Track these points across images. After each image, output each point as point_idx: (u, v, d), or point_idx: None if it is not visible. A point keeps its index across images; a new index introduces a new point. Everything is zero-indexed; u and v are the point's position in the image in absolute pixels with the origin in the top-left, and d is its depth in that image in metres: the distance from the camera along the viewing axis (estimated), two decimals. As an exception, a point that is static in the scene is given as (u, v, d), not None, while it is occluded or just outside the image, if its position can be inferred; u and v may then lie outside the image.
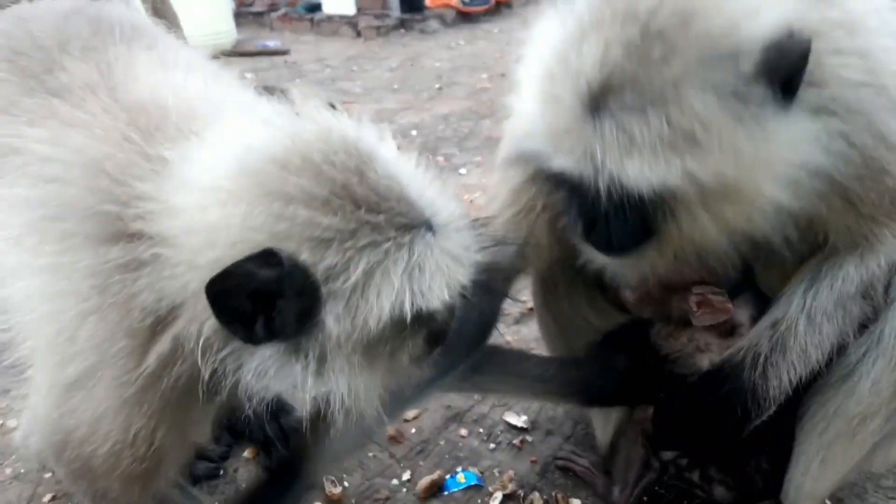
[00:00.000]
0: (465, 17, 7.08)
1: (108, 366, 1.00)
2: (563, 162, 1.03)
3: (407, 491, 1.63)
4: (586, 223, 1.12)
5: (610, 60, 0.96)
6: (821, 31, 1.01)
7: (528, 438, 1.77)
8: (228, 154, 0.91)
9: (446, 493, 1.61)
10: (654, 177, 0.97)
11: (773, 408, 1.25)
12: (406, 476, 1.67)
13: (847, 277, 1.22)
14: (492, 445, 1.76)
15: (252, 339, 0.88)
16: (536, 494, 1.58)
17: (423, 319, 0.93)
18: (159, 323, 0.95)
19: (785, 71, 0.95)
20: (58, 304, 1.01)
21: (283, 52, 6.33)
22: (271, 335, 0.88)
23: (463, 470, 1.67)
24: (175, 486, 1.29)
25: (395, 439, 1.77)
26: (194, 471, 1.67)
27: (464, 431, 1.81)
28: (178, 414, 1.05)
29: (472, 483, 1.63)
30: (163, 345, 0.96)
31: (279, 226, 0.85)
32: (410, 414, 1.86)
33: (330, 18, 7.11)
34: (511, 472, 1.64)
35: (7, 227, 1.07)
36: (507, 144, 1.28)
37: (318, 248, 0.86)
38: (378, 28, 6.63)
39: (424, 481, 1.62)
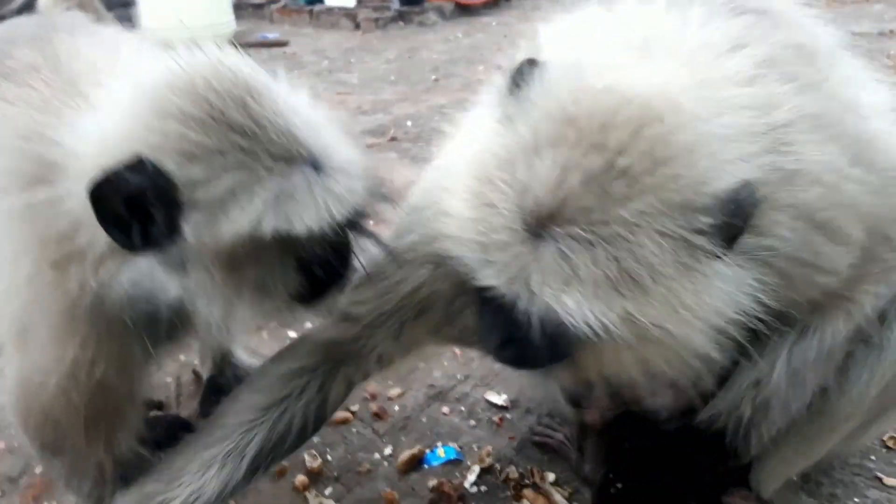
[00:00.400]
0: (463, 10, 7.11)
1: (41, 302, 1.10)
2: (493, 278, 0.94)
3: (388, 465, 1.68)
4: (500, 339, 1.03)
5: (565, 186, 0.88)
6: (769, 182, 0.96)
7: (508, 416, 1.81)
8: (127, 85, 1.01)
9: (426, 466, 1.66)
10: (591, 315, 0.89)
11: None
12: (388, 451, 1.72)
13: (836, 329, 1.22)
14: (472, 422, 1.80)
15: (130, 246, 0.97)
16: (512, 468, 1.62)
17: (288, 245, 0.98)
18: (75, 249, 1.04)
19: (737, 227, 0.92)
20: None
21: (283, 44, 6.36)
22: (147, 244, 0.96)
23: (443, 445, 1.72)
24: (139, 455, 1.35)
25: (379, 416, 1.82)
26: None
27: (446, 409, 1.85)
28: (113, 346, 1.13)
29: (451, 457, 1.67)
30: (79, 269, 1.04)
31: (153, 138, 0.95)
32: (394, 392, 1.91)
33: (329, 10, 7.15)
34: (489, 448, 1.69)
35: None
36: (424, 237, 1.17)
37: (184, 160, 0.95)
38: (377, 20, 6.66)
39: (405, 455, 1.67)
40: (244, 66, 1.03)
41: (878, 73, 1.27)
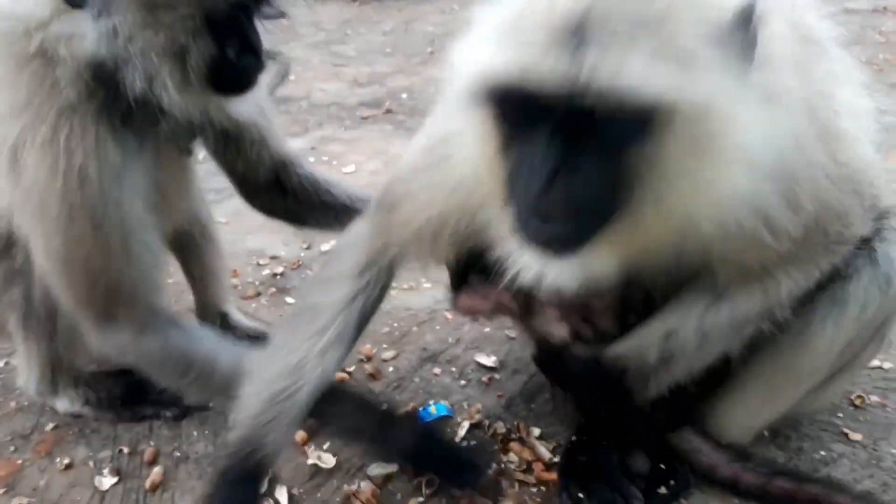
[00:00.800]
0: (460, -18, 7.11)
1: (35, 124, 1.31)
2: (541, 83, 0.92)
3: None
4: (543, 178, 0.96)
5: None
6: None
7: (496, 376, 1.90)
8: None
9: (418, 423, 1.75)
10: (650, 84, 0.89)
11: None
12: (383, 408, 1.81)
13: (751, 302, 1.27)
14: (462, 382, 1.89)
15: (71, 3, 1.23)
16: (500, 423, 1.72)
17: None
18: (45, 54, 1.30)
19: (751, 34, 0.95)
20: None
21: (279, 16, 6.37)
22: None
23: (435, 403, 1.81)
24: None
25: (374, 377, 1.91)
26: (183, 402, 1.80)
27: (437, 370, 1.94)
28: (102, 148, 1.34)
29: (443, 414, 1.76)
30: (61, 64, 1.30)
31: None
32: (389, 354, 2.00)
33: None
34: (479, 405, 1.78)
35: None
36: (450, 94, 1.18)
37: None
38: (373, -8, 6.68)
39: (399, 412, 1.76)
40: None
41: (867, 77, 1.28)
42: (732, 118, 0.95)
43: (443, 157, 1.25)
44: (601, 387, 1.41)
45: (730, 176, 0.99)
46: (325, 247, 2.61)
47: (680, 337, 1.30)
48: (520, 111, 0.99)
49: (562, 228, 0.99)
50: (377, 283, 1.48)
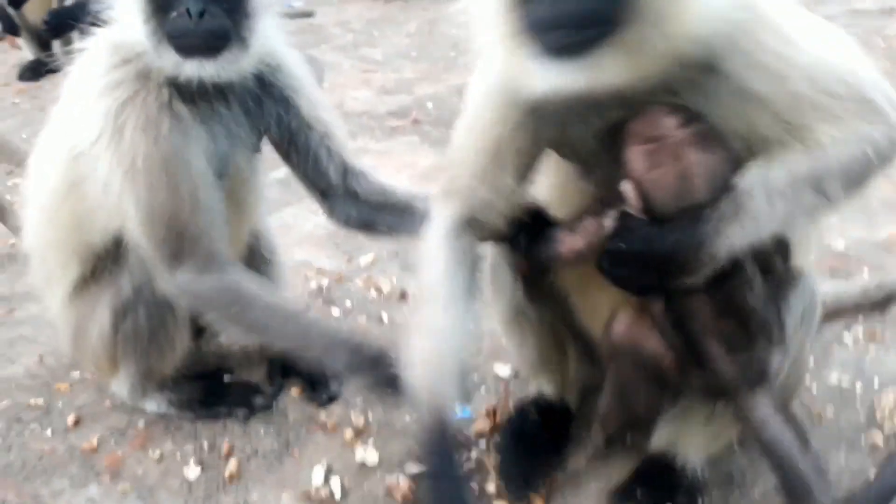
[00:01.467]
0: (482, -22, 7.32)
1: (128, 107, 1.76)
2: None
3: (415, 424, 2.13)
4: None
5: None
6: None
7: (511, 385, 2.25)
8: None
9: (445, 425, 2.11)
10: None
11: (712, 268, 1.35)
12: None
13: (798, 162, 1.32)
14: (482, 389, 2.25)
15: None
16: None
17: None
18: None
19: None
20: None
21: (309, 15, 6.66)
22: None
23: (459, 406, 2.16)
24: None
25: (408, 384, 2.27)
26: (252, 403, 2.18)
27: (461, 378, 2.30)
28: (175, 119, 1.78)
29: (465, 416, 2.12)
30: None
31: None
32: (420, 363, 2.35)
33: (354, -23, 7.41)
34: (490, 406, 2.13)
35: None
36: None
37: None
38: (398, -10, 6.94)
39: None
40: None
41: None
42: None
43: (499, 88, 1.47)
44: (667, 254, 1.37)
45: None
46: (363, 260, 2.96)
47: (745, 190, 1.32)
48: None
49: (574, 35, 1.21)
50: (468, 241, 1.65)
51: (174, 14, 1.73)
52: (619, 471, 1.87)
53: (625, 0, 1.21)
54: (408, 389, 1.59)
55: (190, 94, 1.81)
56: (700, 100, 1.35)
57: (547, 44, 1.25)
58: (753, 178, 1.34)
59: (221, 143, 1.88)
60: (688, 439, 1.76)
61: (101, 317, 2.03)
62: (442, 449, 1.52)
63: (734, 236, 1.33)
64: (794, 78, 1.32)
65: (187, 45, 1.74)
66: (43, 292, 2.22)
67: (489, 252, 1.80)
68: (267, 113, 1.98)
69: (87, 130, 1.82)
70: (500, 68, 1.44)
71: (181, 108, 1.79)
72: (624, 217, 1.43)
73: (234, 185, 1.98)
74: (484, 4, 1.37)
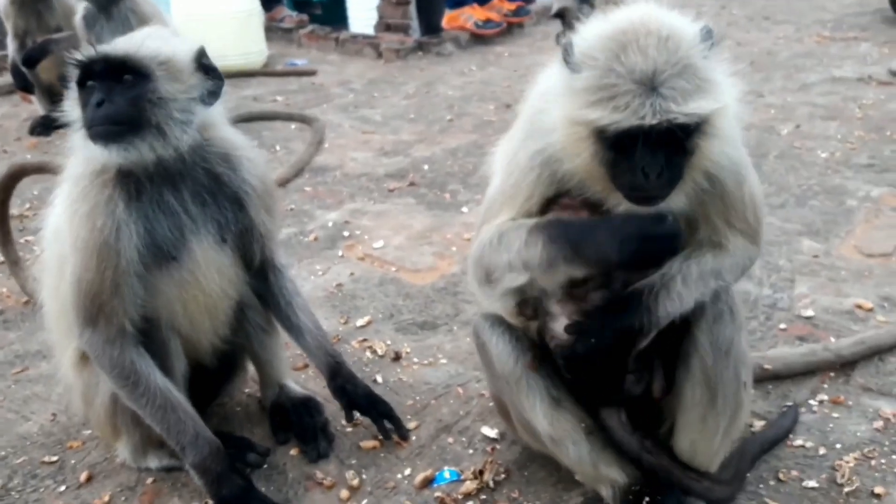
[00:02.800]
0: (478, 39, 7.65)
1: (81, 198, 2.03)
2: (634, 120, 1.55)
3: (407, 483, 2.26)
4: (644, 168, 1.60)
5: (651, 59, 1.55)
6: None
7: (497, 446, 2.40)
8: None
9: (435, 485, 2.24)
10: (696, 108, 1.55)
11: (656, 330, 1.83)
12: (407, 472, 2.30)
13: (708, 261, 1.85)
14: (470, 451, 2.39)
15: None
16: (493, 482, 2.22)
17: None
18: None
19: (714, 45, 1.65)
20: None
21: (311, 73, 6.93)
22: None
23: (448, 468, 2.31)
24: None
25: (400, 444, 2.42)
26: (246, 459, 2.32)
27: (451, 440, 2.44)
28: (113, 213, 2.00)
29: (454, 479, 2.26)
30: None
31: None
32: (412, 425, 2.50)
33: (354, 38, 7.71)
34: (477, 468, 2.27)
35: None
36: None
37: None
38: (398, 51, 7.22)
39: (420, 476, 2.26)
40: None
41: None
42: (728, 103, 1.65)
43: (547, 159, 1.81)
44: (613, 325, 1.85)
45: (722, 143, 1.68)
46: (359, 321, 3.12)
47: (670, 274, 1.83)
48: (622, 140, 1.60)
49: (655, 196, 1.68)
50: None
51: (90, 105, 1.96)
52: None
53: (682, 174, 1.69)
54: None
55: (136, 185, 2.02)
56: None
57: (634, 202, 1.71)
58: (674, 269, 1.85)
59: (165, 231, 2.07)
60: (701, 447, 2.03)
61: (102, 388, 2.22)
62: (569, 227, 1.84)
63: (667, 304, 1.83)
64: (746, 185, 1.88)
65: (94, 132, 1.95)
66: (56, 354, 2.39)
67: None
68: (223, 208, 2.16)
69: (60, 213, 2.10)
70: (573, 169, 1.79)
71: (120, 201, 1.99)
72: (575, 325, 1.88)
73: (196, 267, 2.14)
74: (574, 139, 1.70)
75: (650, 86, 1.55)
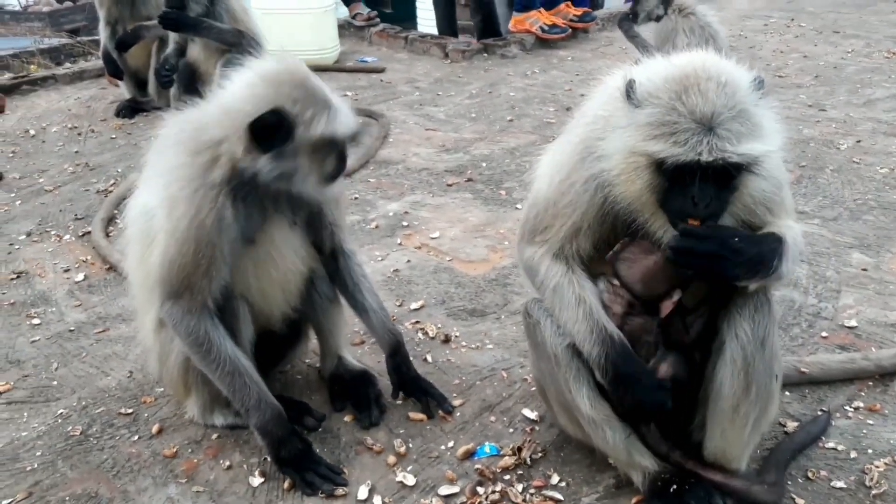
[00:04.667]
0: (543, 43, 7.74)
1: (191, 190, 2.19)
2: (693, 155, 1.73)
3: (450, 454, 2.42)
4: (694, 199, 1.78)
5: (710, 102, 1.74)
6: None
7: (537, 428, 2.53)
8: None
9: (476, 458, 2.40)
10: (748, 149, 1.73)
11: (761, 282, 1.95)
12: (451, 444, 2.45)
13: (794, 235, 1.96)
14: (511, 430, 2.53)
15: (263, 148, 2.13)
16: (530, 460, 2.36)
17: (333, 143, 2.21)
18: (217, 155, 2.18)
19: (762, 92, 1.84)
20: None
21: (380, 70, 7.15)
22: (272, 147, 2.13)
23: (489, 444, 2.45)
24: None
25: (445, 419, 2.57)
26: (303, 423, 2.51)
27: (493, 418, 2.58)
28: (221, 211, 2.18)
29: (494, 453, 2.41)
30: (221, 166, 2.18)
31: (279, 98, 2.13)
32: (457, 402, 2.65)
33: (423, 37, 7.90)
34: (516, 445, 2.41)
35: None
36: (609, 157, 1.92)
37: (293, 105, 2.12)
38: (464, 52, 7.38)
39: (462, 449, 2.41)
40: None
41: None
42: (775, 147, 1.83)
43: (587, 192, 1.99)
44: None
45: (774, 175, 1.89)
46: (413, 305, 3.30)
47: (789, 243, 1.94)
48: (678, 172, 1.78)
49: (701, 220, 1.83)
50: (569, 259, 2.10)
51: None
52: None
53: (728, 205, 1.89)
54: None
55: (240, 186, 2.22)
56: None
57: (672, 221, 1.89)
58: (786, 234, 1.95)
59: (252, 221, 2.28)
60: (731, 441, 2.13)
61: (175, 351, 2.44)
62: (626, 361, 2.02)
63: (786, 265, 1.91)
64: (784, 188, 2.05)
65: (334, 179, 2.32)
66: (137, 318, 2.63)
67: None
68: (293, 197, 2.36)
69: (156, 196, 2.27)
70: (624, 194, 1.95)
71: (228, 204, 2.18)
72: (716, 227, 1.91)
73: (272, 247, 2.38)
74: (632, 167, 1.86)
75: (708, 126, 1.73)
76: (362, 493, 2.27)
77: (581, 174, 2.00)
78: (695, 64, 1.85)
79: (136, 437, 2.55)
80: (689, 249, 1.84)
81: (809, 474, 2.28)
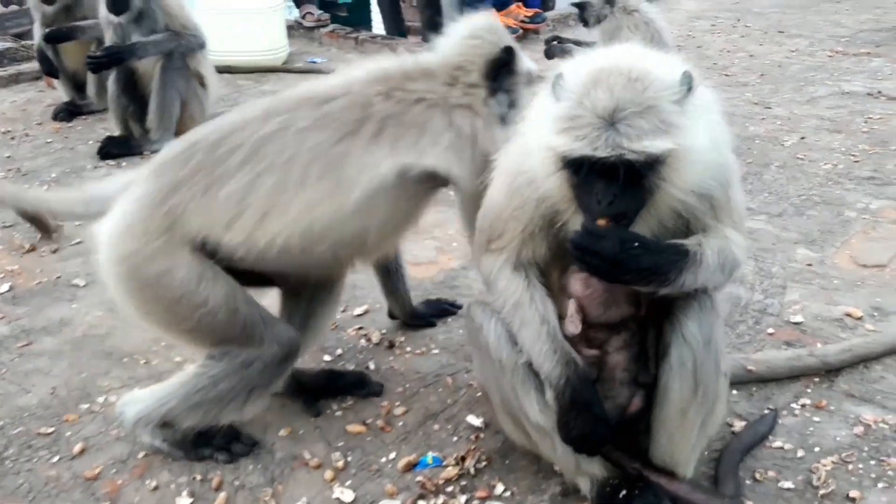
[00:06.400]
0: (493, 43, 7.68)
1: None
2: (588, 150, 1.66)
3: (391, 466, 2.32)
4: (597, 196, 1.72)
5: (614, 97, 1.66)
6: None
7: (482, 435, 2.45)
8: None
9: (417, 469, 2.30)
10: (649, 146, 1.64)
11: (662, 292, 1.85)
12: (392, 455, 2.35)
13: (723, 246, 1.89)
14: (455, 438, 2.44)
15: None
16: (473, 469, 2.27)
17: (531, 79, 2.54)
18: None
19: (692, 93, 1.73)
20: None
21: (329, 72, 6.98)
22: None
23: (431, 454, 2.36)
24: None
25: (383, 429, 2.47)
26: (231, 450, 2.37)
27: (437, 426, 2.49)
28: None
29: (437, 464, 2.31)
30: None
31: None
32: (400, 410, 2.56)
33: (374, 38, 7.78)
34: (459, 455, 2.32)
35: None
36: (524, 158, 1.91)
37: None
38: (414, 53, 7.28)
39: (403, 461, 2.31)
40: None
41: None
42: (694, 146, 1.72)
43: (527, 192, 1.94)
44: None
45: (694, 175, 1.76)
46: (357, 311, 3.19)
47: (700, 250, 1.87)
48: (585, 169, 1.72)
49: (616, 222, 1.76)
50: (528, 271, 2.04)
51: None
52: None
53: (642, 204, 1.79)
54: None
55: None
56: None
57: (586, 219, 1.82)
58: (703, 245, 1.88)
59: None
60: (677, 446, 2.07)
61: None
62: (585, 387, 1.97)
63: (688, 278, 1.85)
64: (732, 188, 1.95)
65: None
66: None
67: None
68: None
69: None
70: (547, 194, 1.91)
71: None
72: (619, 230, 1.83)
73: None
74: (547, 164, 1.82)
75: (609, 121, 1.66)
76: (298, 510, 2.16)
77: (526, 176, 1.94)
78: (615, 58, 1.80)
79: (57, 458, 2.40)
80: (585, 247, 1.78)
81: (757, 475, 2.24)
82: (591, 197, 1.74)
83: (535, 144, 1.84)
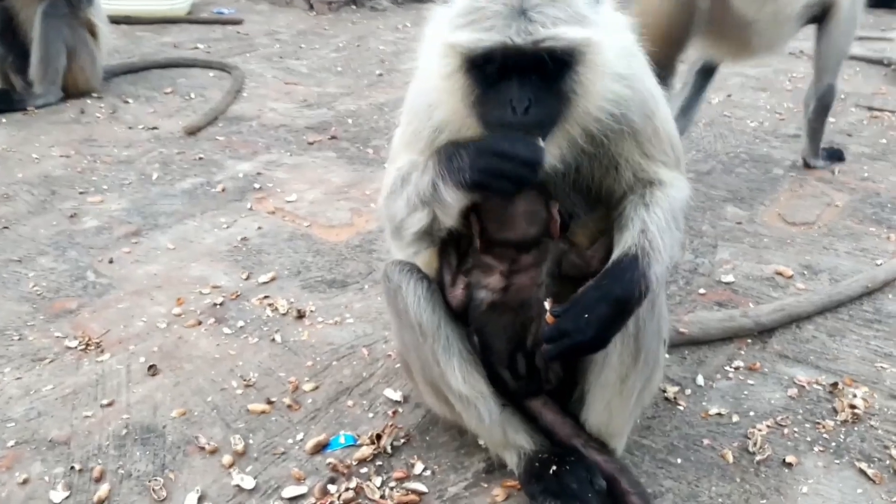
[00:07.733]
0: (415, -4, 7.36)
1: None
2: (500, 38, 1.45)
3: (298, 448, 2.09)
4: (512, 102, 1.49)
5: None
6: None
7: (400, 410, 2.24)
8: None
9: (328, 451, 2.08)
10: (566, 33, 1.45)
11: (649, 293, 1.67)
12: (299, 437, 2.12)
13: (662, 200, 1.71)
14: (371, 414, 2.23)
15: None
16: (390, 448, 2.06)
17: None
18: None
19: None
20: None
21: (237, 22, 6.57)
22: None
23: (344, 433, 2.14)
24: None
25: (291, 408, 2.23)
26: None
27: (350, 402, 2.27)
28: None
29: (350, 444, 2.10)
30: None
31: None
32: (309, 386, 2.32)
33: (284, -13, 7.35)
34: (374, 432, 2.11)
35: None
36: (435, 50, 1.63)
37: None
38: (330, 4, 6.90)
39: (312, 441, 2.08)
40: None
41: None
42: (606, 45, 1.54)
43: (430, 105, 1.70)
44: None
45: (608, 82, 1.58)
46: (263, 278, 2.91)
47: (650, 230, 1.68)
48: (494, 67, 1.50)
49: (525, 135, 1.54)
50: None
51: None
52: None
53: (558, 113, 1.57)
54: None
55: None
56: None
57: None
58: (651, 221, 1.69)
59: None
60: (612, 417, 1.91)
61: None
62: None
63: (657, 264, 1.67)
64: (657, 118, 1.74)
65: None
66: None
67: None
68: None
69: None
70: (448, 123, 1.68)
71: None
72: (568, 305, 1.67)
73: None
74: (448, 86, 1.58)
75: (519, 9, 1.48)
76: (190, 501, 1.91)
77: (421, 98, 1.75)
78: None
79: (-87, 452, 2.06)
80: (560, 352, 1.66)
81: (694, 443, 2.11)
82: (503, 106, 1.51)
83: (429, 61, 1.62)
